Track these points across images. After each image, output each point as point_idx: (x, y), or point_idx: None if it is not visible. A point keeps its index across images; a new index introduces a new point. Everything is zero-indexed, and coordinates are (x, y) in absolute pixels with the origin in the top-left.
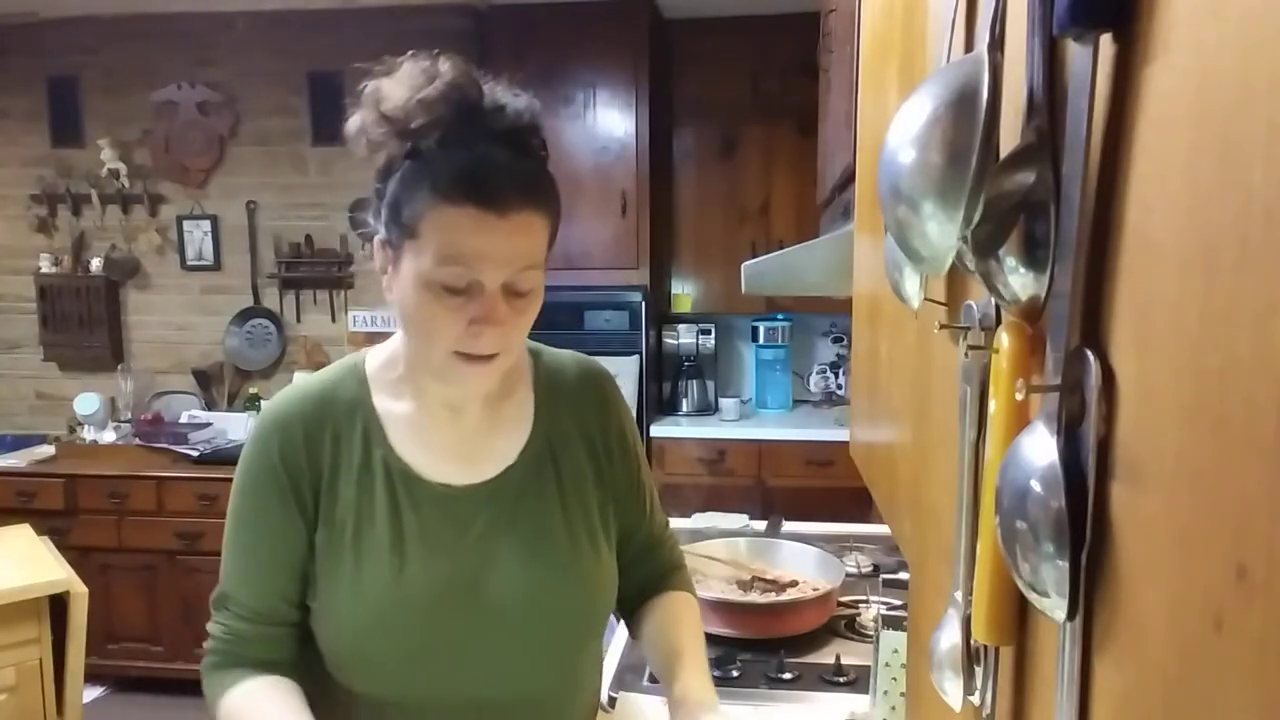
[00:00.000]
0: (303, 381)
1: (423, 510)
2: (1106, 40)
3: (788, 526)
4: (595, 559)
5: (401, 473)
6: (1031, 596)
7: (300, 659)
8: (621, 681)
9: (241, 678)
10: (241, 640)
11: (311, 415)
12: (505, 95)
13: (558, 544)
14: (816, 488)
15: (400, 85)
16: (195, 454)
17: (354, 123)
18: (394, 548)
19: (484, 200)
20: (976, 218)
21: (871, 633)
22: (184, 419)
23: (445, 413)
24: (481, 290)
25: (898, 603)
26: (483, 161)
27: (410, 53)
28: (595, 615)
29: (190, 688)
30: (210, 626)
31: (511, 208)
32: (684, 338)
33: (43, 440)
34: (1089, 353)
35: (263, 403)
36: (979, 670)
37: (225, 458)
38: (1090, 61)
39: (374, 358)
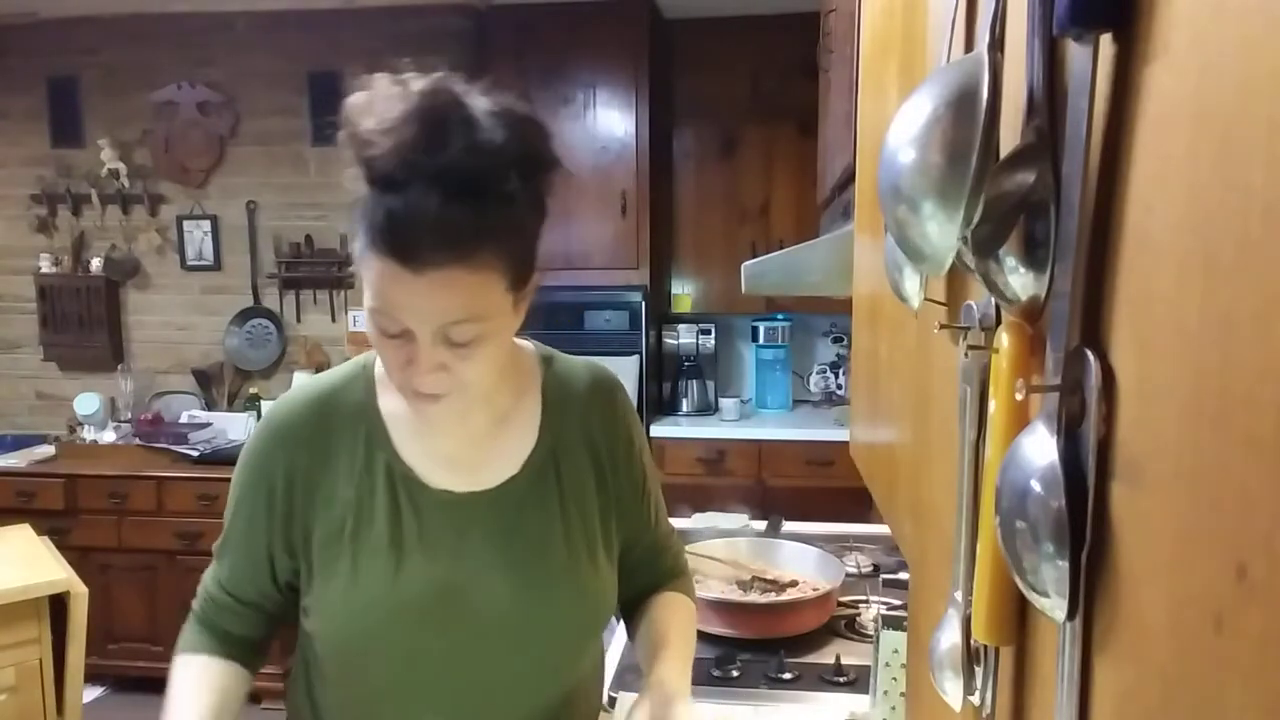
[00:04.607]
0: (310, 382)
1: (423, 514)
2: (1106, 40)
3: (788, 526)
4: (593, 571)
5: (403, 476)
6: (1031, 596)
7: (267, 639)
8: (621, 681)
9: (198, 647)
10: (217, 607)
11: (313, 419)
12: (481, 121)
13: (555, 555)
14: (816, 488)
15: (369, 105)
16: (195, 454)
17: (340, 136)
18: (392, 548)
19: (401, 255)
20: (976, 218)
21: (871, 633)
22: (184, 419)
23: (451, 419)
24: (414, 337)
25: (898, 603)
26: (407, 212)
27: (405, 60)
28: (591, 626)
29: None
30: (203, 578)
31: (430, 264)
32: (684, 338)
33: (43, 440)
34: (1089, 353)
35: (263, 403)
36: (979, 670)
37: (225, 458)
38: (1090, 61)
39: None
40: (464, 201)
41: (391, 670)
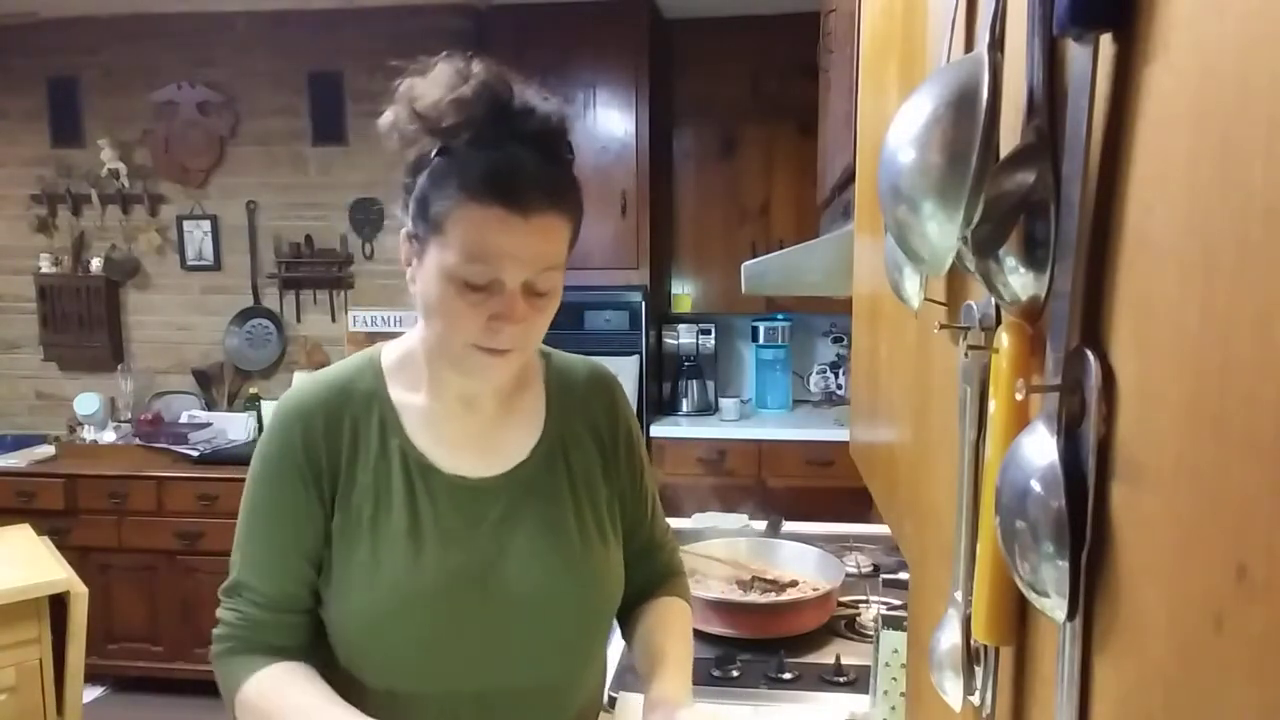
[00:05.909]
0: (320, 373)
1: (438, 500)
2: (1106, 40)
3: (788, 526)
4: (605, 552)
5: (418, 462)
6: (1031, 596)
7: (313, 647)
8: (621, 681)
9: (258, 665)
10: (257, 626)
11: (331, 404)
12: (535, 98)
13: (569, 537)
14: (816, 488)
15: (434, 84)
16: (195, 454)
17: (387, 118)
18: (411, 534)
19: (510, 200)
20: (976, 218)
21: (871, 633)
22: (184, 419)
23: (459, 406)
24: (502, 288)
25: (898, 603)
26: (511, 162)
27: (444, 53)
28: (604, 607)
29: (190, 687)
30: (221, 613)
31: (536, 209)
32: (684, 338)
33: (43, 440)
34: (1089, 353)
35: (263, 403)
36: (979, 670)
37: (225, 458)
38: (1090, 61)
39: (390, 352)
40: (551, 157)
41: (409, 655)
